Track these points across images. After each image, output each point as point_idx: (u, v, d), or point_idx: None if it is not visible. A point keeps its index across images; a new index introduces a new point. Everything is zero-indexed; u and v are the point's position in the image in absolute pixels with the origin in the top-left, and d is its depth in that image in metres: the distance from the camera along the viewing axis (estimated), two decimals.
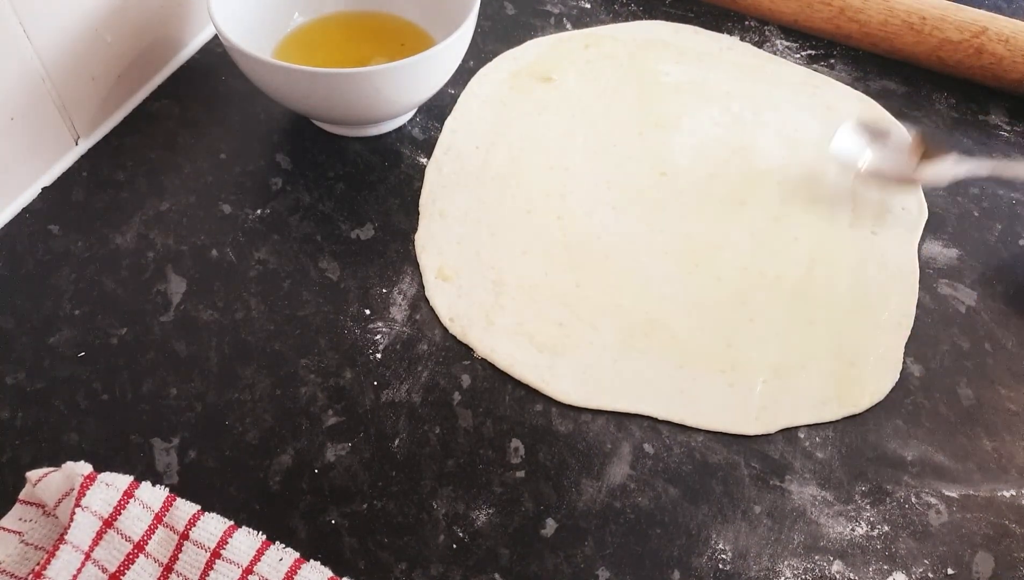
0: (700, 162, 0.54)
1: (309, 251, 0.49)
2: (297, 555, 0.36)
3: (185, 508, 0.37)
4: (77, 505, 0.35)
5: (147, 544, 0.36)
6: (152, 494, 0.37)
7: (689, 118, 0.57)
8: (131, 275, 0.47)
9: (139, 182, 0.52)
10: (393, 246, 0.50)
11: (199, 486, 0.39)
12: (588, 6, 0.65)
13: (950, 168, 0.52)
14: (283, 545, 0.37)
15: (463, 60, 0.53)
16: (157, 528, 0.36)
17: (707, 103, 0.58)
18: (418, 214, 0.51)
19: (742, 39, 0.63)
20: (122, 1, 0.53)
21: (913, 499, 0.41)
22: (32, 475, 0.37)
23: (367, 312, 0.46)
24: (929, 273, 0.50)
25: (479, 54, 0.61)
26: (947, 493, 0.41)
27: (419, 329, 0.46)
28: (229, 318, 0.46)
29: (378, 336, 0.45)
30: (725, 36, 0.63)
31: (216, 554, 0.36)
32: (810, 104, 0.58)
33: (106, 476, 0.37)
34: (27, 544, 0.36)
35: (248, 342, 0.45)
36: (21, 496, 0.38)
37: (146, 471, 0.40)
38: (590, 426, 0.43)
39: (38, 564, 0.35)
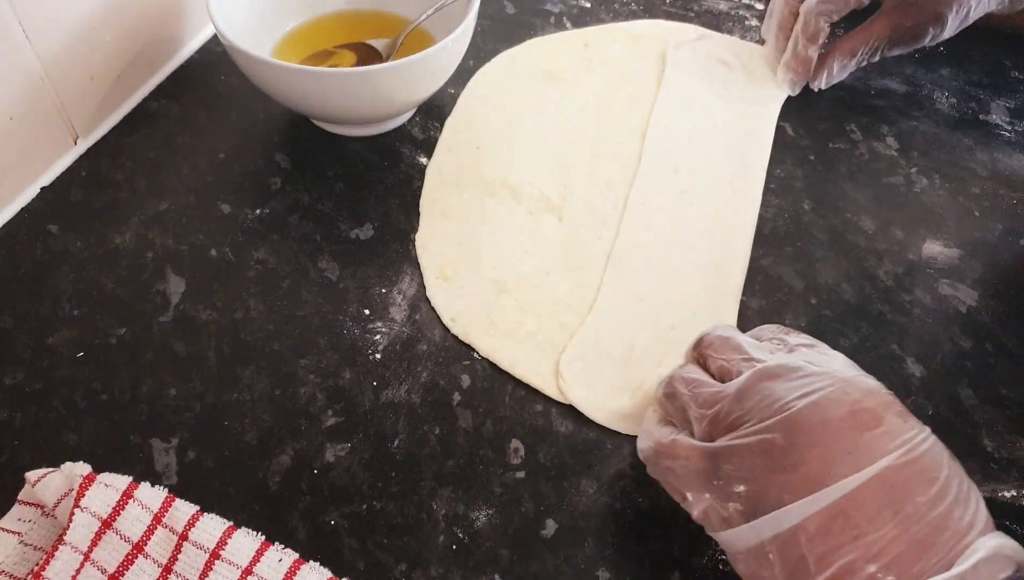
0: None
1: (308, 251, 0.49)
2: (296, 556, 0.36)
3: (184, 508, 0.37)
4: (76, 505, 0.35)
5: (146, 545, 0.36)
6: (151, 494, 0.37)
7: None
8: (130, 275, 0.47)
9: (138, 182, 0.52)
10: (393, 246, 0.49)
11: (198, 486, 0.39)
12: (588, 5, 0.65)
13: None
14: (282, 546, 0.36)
15: (463, 60, 0.53)
16: (156, 529, 0.36)
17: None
18: (418, 214, 0.51)
19: (742, 39, 0.63)
20: (122, 1, 0.53)
21: None
22: (31, 475, 0.37)
23: (367, 312, 0.46)
24: (930, 273, 0.49)
25: (479, 54, 0.61)
26: None
27: (419, 329, 0.46)
28: (228, 318, 0.46)
29: (377, 336, 0.45)
30: (725, 36, 0.63)
31: (215, 555, 0.36)
32: None
33: (105, 476, 0.37)
34: (26, 545, 0.36)
35: (247, 342, 0.45)
36: (20, 496, 0.38)
37: (145, 471, 0.40)
38: (590, 426, 0.42)
39: (37, 565, 0.34)
